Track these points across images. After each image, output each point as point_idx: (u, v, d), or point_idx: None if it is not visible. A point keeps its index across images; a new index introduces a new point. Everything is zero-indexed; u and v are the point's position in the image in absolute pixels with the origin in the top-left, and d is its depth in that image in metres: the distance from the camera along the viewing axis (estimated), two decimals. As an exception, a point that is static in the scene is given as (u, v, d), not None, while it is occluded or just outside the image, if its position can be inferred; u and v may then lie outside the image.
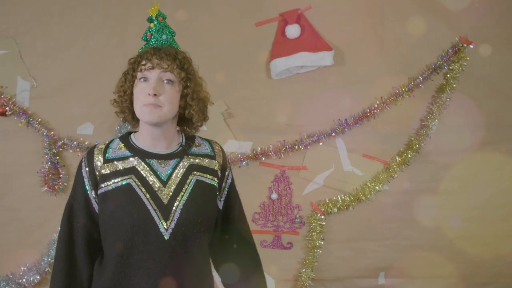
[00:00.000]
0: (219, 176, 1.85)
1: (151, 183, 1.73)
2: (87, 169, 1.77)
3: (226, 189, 1.90)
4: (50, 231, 2.86)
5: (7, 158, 2.86)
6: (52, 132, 2.87)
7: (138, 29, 1.88)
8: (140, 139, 1.80)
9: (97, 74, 2.87)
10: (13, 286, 2.83)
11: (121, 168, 1.75)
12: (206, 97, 1.84)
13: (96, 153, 1.79)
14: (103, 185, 1.74)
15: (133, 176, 1.74)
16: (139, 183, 1.73)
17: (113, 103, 1.84)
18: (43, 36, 2.87)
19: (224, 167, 1.87)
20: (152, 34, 1.82)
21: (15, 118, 2.86)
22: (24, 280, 2.84)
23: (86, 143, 2.87)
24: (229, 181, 1.91)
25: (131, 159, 1.76)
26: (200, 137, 1.91)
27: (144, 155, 1.77)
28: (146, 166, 1.75)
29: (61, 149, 2.88)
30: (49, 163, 2.84)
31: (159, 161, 1.77)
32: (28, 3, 2.86)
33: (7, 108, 2.84)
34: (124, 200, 1.71)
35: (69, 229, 1.79)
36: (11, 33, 2.86)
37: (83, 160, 1.80)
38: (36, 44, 2.87)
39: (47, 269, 2.85)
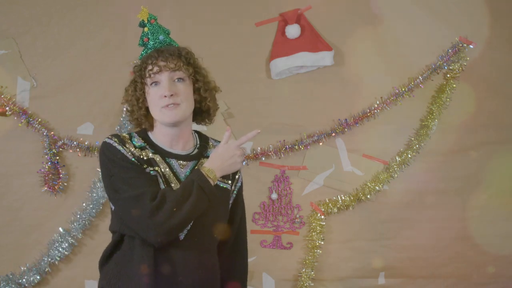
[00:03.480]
0: (231, 178, 1.86)
1: (171, 182, 1.73)
2: (123, 148, 1.72)
3: (234, 192, 1.90)
4: (50, 231, 2.86)
5: (7, 158, 2.86)
6: (52, 132, 2.86)
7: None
8: (157, 140, 1.80)
9: (97, 74, 2.87)
10: (13, 286, 2.83)
11: (150, 157, 1.74)
12: (215, 86, 1.87)
13: (122, 137, 1.76)
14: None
15: (158, 169, 1.73)
16: (162, 179, 1.72)
17: (128, 114, 1.83)
18: (43, 36, 2.87)
19: None
20: (148, 38, 1.82)
21: (15, 118, 2.85)
22: (24, 280, 2.83)
23: (86, 143, 2.87)
24: (238, 184, 1.92)
25: (152, 155, 1.75)
26: (212, 139, 1.91)
27: (164, 153, 1.77)
28: (166, 165, 1.75)
29: (61, 149, 2.87)
30: (49, 163, 2.84)
31: (178, 161, 1.77)
32: (28, 3, 2.86)
33: (7, 108, 2.84)
34: None
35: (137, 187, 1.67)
36: (11, 33, 2.86)
37: (111, 143, 1.73)
38: (36, 44, 2.87)
39: (47, 269, 2.84)
